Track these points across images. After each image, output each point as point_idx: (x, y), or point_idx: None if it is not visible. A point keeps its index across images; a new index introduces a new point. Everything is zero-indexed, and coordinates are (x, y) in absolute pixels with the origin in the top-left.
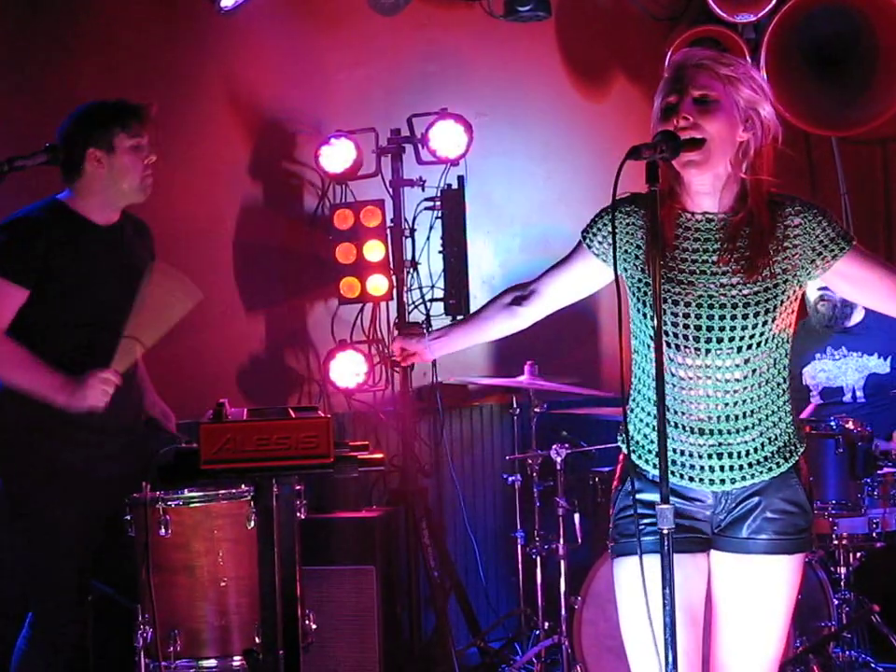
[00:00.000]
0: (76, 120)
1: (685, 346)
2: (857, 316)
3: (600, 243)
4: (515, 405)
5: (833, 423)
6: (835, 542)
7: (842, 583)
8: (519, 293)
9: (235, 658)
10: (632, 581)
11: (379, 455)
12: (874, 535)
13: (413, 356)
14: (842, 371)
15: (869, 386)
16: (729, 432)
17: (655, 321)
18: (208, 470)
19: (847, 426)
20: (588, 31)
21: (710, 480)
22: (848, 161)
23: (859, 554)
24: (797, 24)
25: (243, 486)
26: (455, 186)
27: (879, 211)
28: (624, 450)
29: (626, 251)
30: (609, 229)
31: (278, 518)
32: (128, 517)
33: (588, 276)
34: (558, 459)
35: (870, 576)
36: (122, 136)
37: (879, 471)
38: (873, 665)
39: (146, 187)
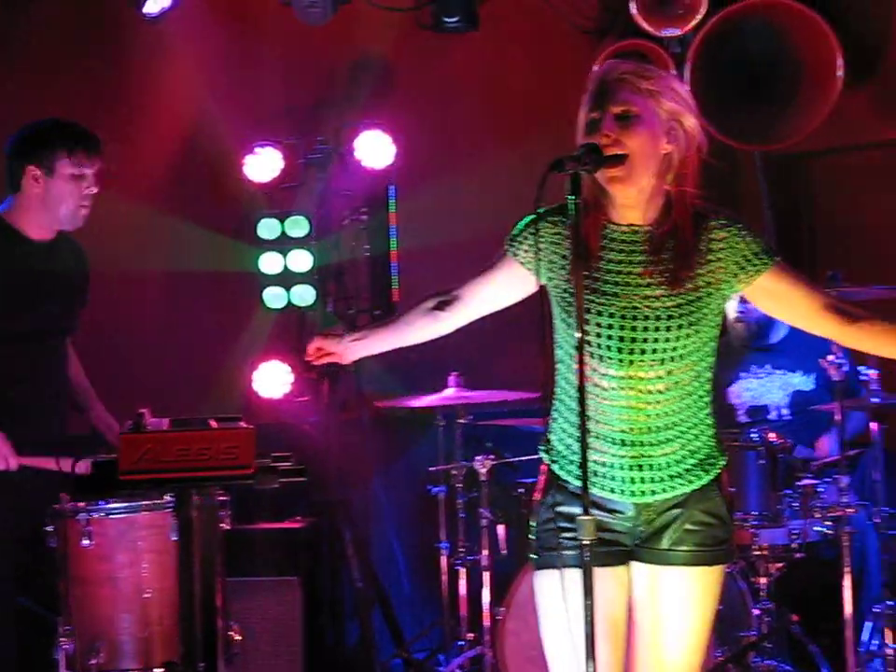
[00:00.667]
0: (25, 134)
1: (608, 357)
2: (779, 334)
3: (526, 252)
4: (440, 416)
5: (754, 435)
6: (756, 553)
7: (762, 594)
8: (442, 298)
9: (157, 670)
10: (552, 594)
11: (301, 467)
12: (794, 546)
13: (330, 356)
14: (767, 389)
15: (794, 404)
16: (650, 444)
17: (578, 332)
18: (127, 481)
19: (768, 437)
20: (515, 43)
21: (631, 491)
22: (772, 176)
23: (779, 565)
24: (722, 39)
25: (167, 497)
26: (381, 196)
27: (802, 225)
28: (546, 461)
29: (552, 261)
30: (532, 233)
31: (199, 529)
32: (49, 528)
33: (512, 285)
34: (482, 470)
35: (790, 586)
36: (65, 162)
37: (800, 483)
38: None
39: (80, 217)
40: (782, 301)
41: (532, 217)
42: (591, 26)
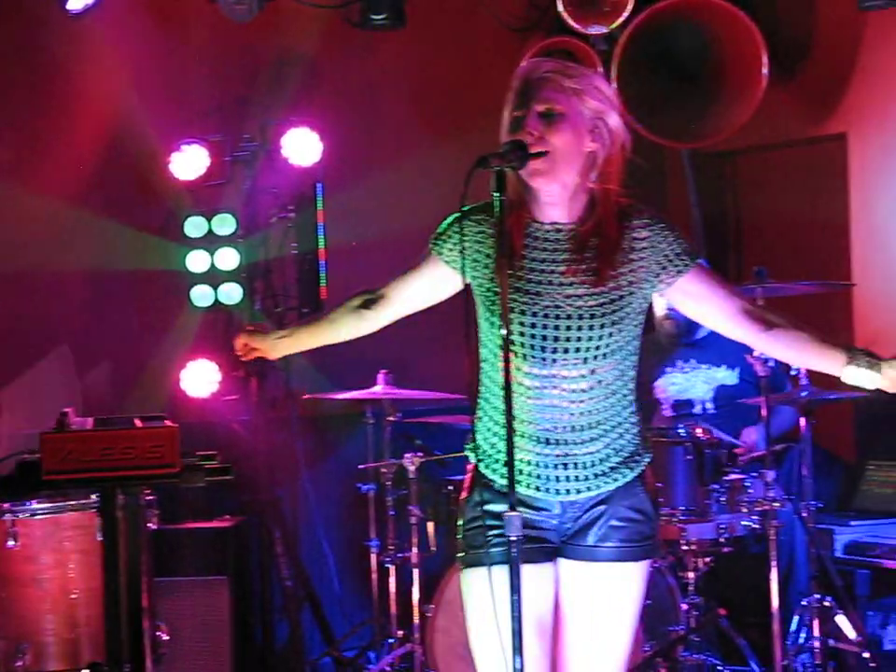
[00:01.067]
0: None
1: (532, 356)
2: (706, 329)
3: (450, 250)
4: (369, 414)
5: (681, 430)
6: (684, 548)
7: (690, 588)
8: (368, 297)
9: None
10: (480, 592)
11: (226, 465)
12: (721, 540)
13: (256, 351)
14: (691, 383)
15: (718, 398)
16: (575, 442)
17: (504, 330)
18: (51, 481)
19: (695, 433)
20: (443, 41)
21: (556, 490)
22: (699, 173)
23: (707, 560)
24: (648, 37)
25: (93, 497)
26: (308, 193)
27: (729, 223)
28: (472, 460)
29: (476, 260)
30: (457, 231)
31: (124, 529)
32: None
33: (437, 283)
34: (411, 468)
35: (718, 581)
36: None
37: (727, 478)
38: (720, 668)
39: None
40: (700, 303)
41: (456, 215)
42: (518, 24)
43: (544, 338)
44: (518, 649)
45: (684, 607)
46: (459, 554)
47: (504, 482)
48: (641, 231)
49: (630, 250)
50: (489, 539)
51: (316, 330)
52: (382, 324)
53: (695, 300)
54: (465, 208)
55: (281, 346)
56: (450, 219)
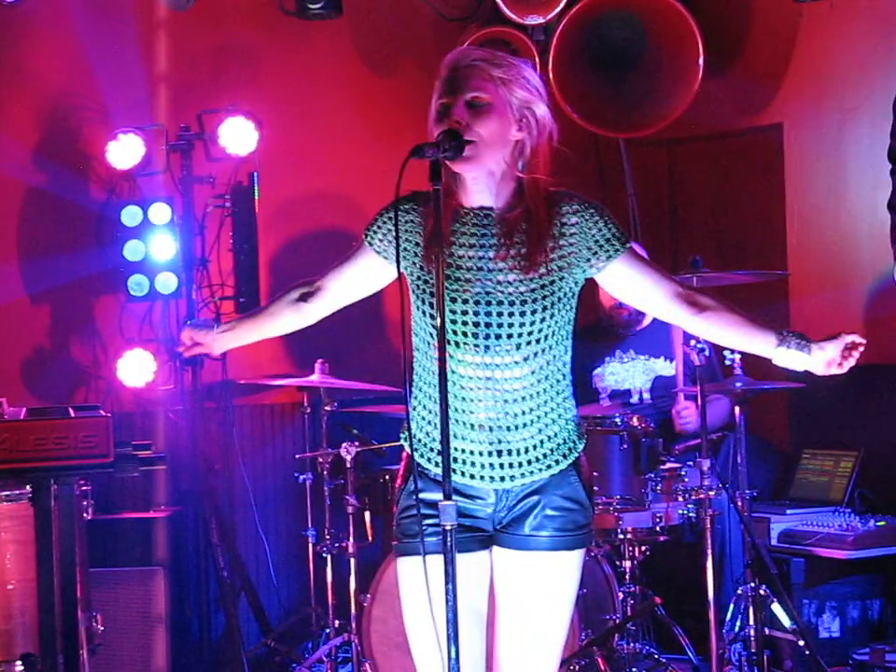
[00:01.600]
0: None
1: (465, 343)
2: (646, 320)
3: (381, 241)
4: (306, 403)
5: (617, 419)
6: (620, 537)
7: (627, 577)
8: (305, 290)
9: (18, 663)
10: (414, 581)
11: (161, 455)
12: (657, 529)
13: (200, 346)
14: (630, 373)
15: (655, 388)
16: (508, 429)
17: (437, 319)
18: None
19: (631, 422)
20: (380, 30)
21: (490, 477)
22: (635, 163)
23: (643, 548)
24: (585, 27)
25: (27, 487)
26: (245, 183)
27: (665, 211)
28: (407, 448)
29: (406, 249)
30: (389, 227)
31: (57, 519)
32: None
33: (371, 274)
34: (348, 457)
35: (654, 569)
36: None
37: (663, 467)
38: (656, 656)
39: None
40: (632, 287)
41: (387, 206)
42: (456, 14)
43: (476, 325)
44: (454, 638)
45: (620, 595)
46: (393, 543)
47: (438, 470)
48: (571, 217)
49: (560, 236)
50: (424, 527)
51: (257, 324)
52: (320, 316)
53: (627, 284)
54: (396, 198)
55: (223, 341)
56: (381, 210)
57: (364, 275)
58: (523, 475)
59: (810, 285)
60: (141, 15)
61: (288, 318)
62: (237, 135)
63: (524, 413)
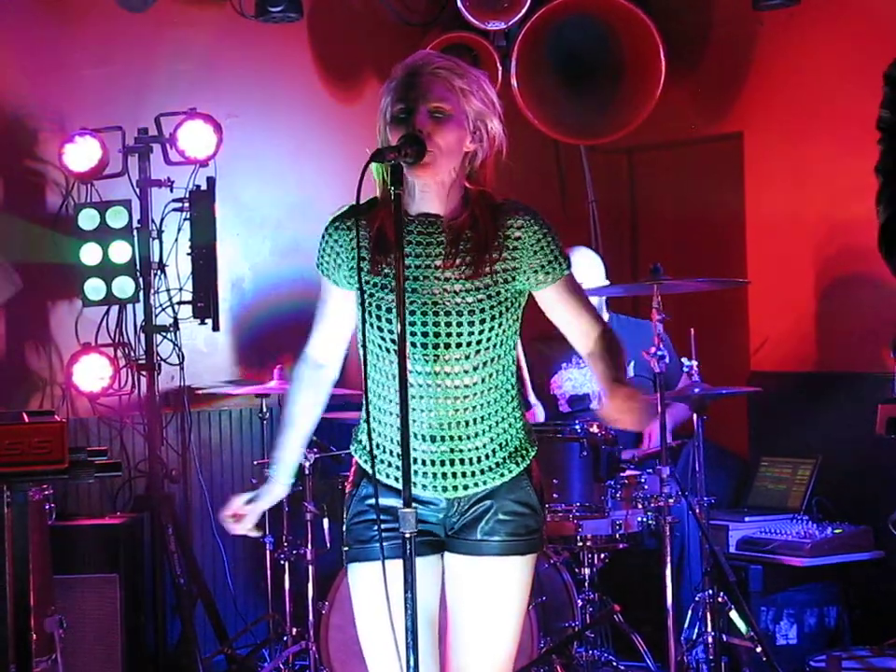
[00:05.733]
0: None
1: (413, 353)
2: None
3: (328, 264)
4: (264, 409)
5: (577, 427)
6: (580, 544)
7: (586, 584)
8: (311, 370)
9: None
10: (367, 587)
11: (116, 461)
12: (617, 536)
13: (262, 504)
14: (587, 378)
15: None
16: (460, 438)
17: (396, 324)
18: None
19: (591, 430)
20: (341, 34)
21: (443, 487)
22: (596, 169)
23: (602, 556)
24: (547, 34)
25: None
26: (204, 187)
27: (625, 218)
28: (357, 458)
29: (351, 267)
30: (331, 244)
31: (11, 526)
32: None
33: (345, 305)
34: (306, 464)
35: (613, 576)
36: None
37: (622, 474)
38: (615, 664)
39: None
40: (557, 311)
41: (324, 234)
42: (417, 19)
43: (425, 334)
44: (413, 647)
45: (579, 603)
46: (344, 549)
47: (388, 480)
48: (514, 231)
49: (503, 248)
50: (375, 533)
51: (297, 436)
52: (338, 366)
53: (554, 306)
54: (334, 222)
55: (283, 477)
56: (322, 234)
57: (341, 304)
58: (476, 484)
59: (769, 292)
60: (98, 17)
61: (317, 396)
62: (196, 139)
63: (475, 421)
